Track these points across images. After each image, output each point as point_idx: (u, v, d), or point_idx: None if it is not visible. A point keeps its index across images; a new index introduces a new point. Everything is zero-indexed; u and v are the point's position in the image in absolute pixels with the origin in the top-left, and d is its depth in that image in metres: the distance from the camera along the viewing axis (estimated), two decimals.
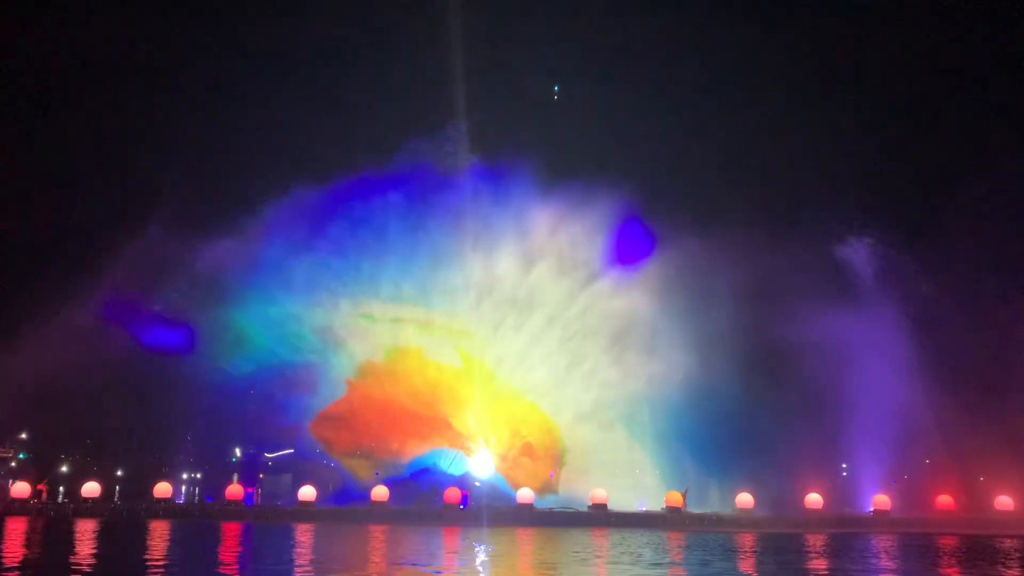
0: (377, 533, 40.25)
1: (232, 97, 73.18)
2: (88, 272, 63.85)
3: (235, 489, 53.39)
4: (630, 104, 72.50)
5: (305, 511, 51.70)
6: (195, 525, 45.47)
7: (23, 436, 71.76)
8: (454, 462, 65.85)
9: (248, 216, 66.14)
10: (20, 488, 51.35)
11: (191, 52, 73.51)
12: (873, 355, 59.82)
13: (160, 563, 25.15)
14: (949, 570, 27.45)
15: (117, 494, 63.70)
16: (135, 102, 73.25)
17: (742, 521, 50.19)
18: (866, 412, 58.64)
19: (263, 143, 70.63)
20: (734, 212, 63.81)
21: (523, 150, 66.33)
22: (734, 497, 52.77)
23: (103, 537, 36.01)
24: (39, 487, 53.18)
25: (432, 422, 66.78)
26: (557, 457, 66.08)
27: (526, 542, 36.08)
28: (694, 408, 60.80)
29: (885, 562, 30.08)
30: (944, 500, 52.57)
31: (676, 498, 51.99)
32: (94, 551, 29.26)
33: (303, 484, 56.32)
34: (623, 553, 29.94)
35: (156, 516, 49.29)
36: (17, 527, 40.61)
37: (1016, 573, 25.49)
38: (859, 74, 73.42)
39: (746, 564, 28.19)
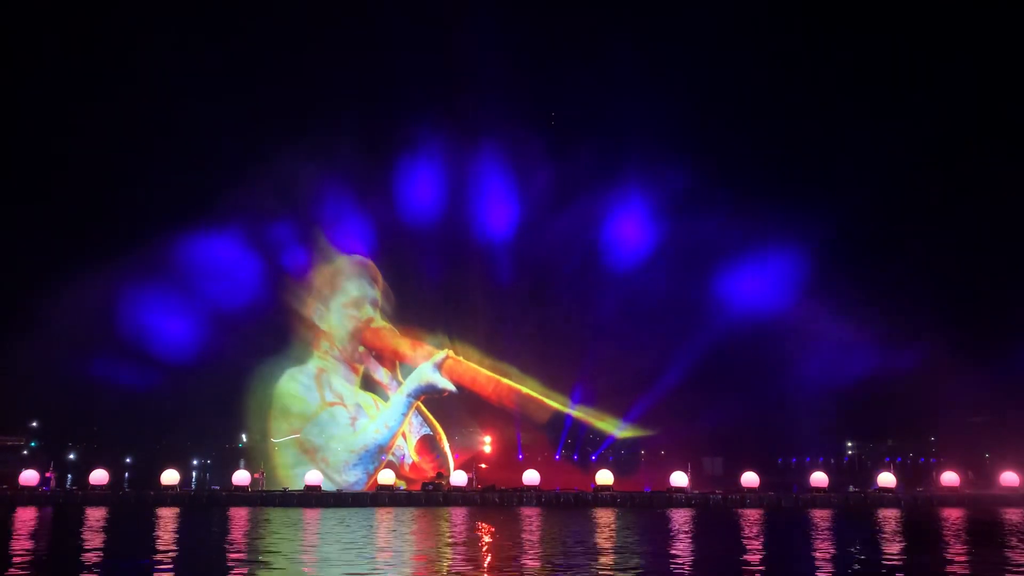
0: (391, 515, 40.56)
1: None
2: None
3: (242, 475, 53.70)
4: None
5: (312, 495, 52.04)
6: (202, 512, 45.82)
7: (34, 424, 72.32)
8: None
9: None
10: (29, 476, 51.73)
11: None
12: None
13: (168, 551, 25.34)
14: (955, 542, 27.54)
15: (126, 481, 64.15)
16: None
17: (748, 500, 50.27)
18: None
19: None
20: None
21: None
22: (739, 476, 52.81)
23: (111, 525, 36.34)
24: (47, 474, 53.51)
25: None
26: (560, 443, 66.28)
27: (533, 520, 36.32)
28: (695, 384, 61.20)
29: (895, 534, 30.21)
30: (949, 477, 52.39)
31: (681, 478, 52.08)
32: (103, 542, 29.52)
33: (308, 469, 56.90)
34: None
35: (163, 503, 49.62)
36: (28, 515, 41.00)
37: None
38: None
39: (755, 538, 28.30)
